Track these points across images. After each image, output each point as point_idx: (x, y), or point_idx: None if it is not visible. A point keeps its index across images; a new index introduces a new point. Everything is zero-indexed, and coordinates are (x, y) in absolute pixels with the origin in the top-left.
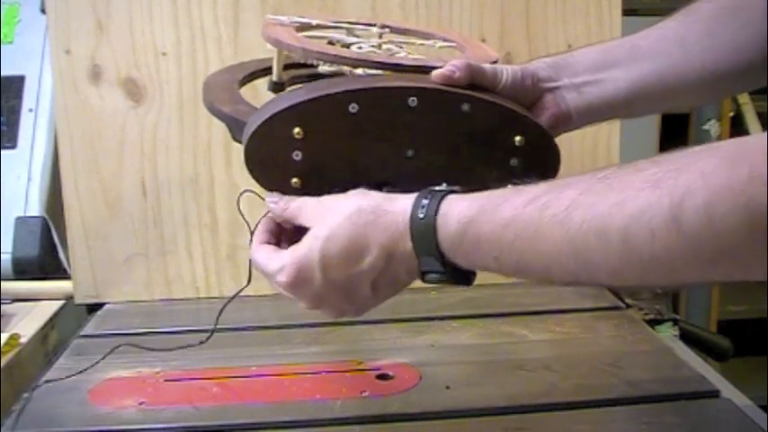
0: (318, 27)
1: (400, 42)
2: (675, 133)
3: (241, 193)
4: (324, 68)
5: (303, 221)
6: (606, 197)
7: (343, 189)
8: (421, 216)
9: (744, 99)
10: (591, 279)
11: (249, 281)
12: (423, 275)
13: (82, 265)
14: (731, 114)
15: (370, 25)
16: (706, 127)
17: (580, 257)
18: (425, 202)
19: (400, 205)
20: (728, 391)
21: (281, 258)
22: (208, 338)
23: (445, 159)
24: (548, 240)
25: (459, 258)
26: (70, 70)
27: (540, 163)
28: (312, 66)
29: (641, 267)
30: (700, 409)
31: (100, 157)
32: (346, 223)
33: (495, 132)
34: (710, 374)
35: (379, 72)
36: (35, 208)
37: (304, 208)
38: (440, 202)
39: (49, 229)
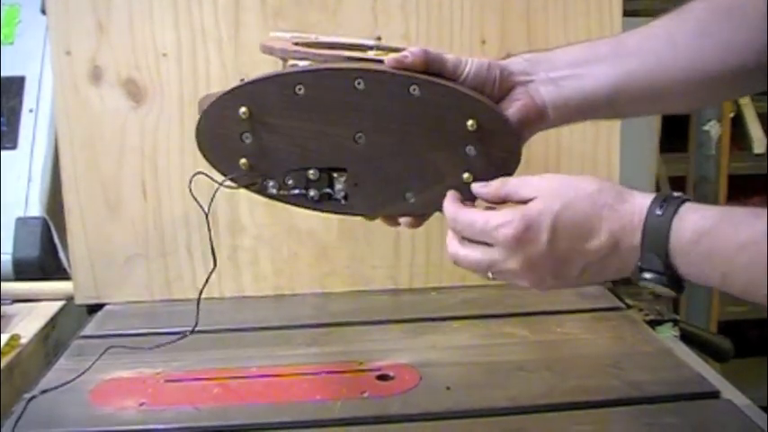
0: (318, 43)
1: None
2: (676, 134)
3: (193, 176)
4: None
5: (527, 194)
6: None
7: (293, 172)
8: (659, 213)
9: (744, 100)
10: None
11: (215, 264)
12: (639, 273)
13: (82, 266)
14: (731, 115)
15: (371, 44)
16: (706, 128)
17: None
18: (664, 203)
19: (639, 199)
20: (729, 391)
21: (506, 214)
22: (191, 332)
23: (396, 144)
24: None
25: (683, 265)
26: (70, 71)
27: (498, 151)
28: None
29: None
30: (700, 409)
31: (100, 158)
32: (586, 199)
33: (445, 116)
34: (711, 375)
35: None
36: (35, 209)
37: (527, 184)
38: (678, 207)
39: (50, 230)
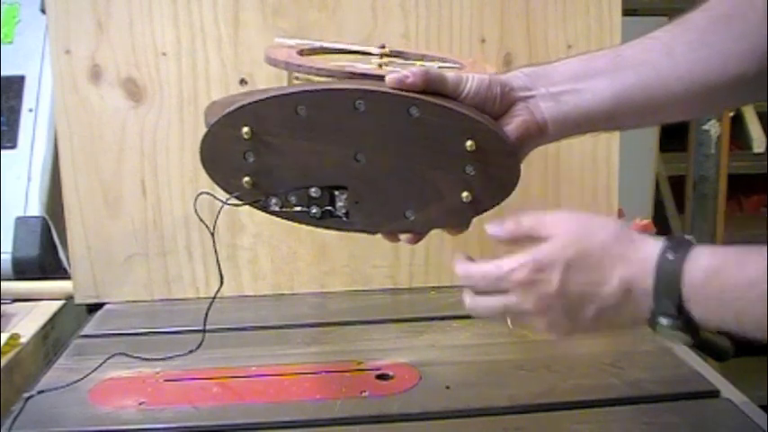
0: (322, 50)
1: (401, 63)
2: (675, 134)
3: (198, 196)
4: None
5: (547, 231)
6: None
7: (295, 190)
8: (670, 258)
9: None
10: None
11: (222, 281)
12: (653, 318)
13: (82, 265)
14: (731, 114)
15: (376, 51)
16: (706, 127)
17: None
18: (675, 246)
19: (651, 245)
20: (728, 390)
21: (517, 258)
22: (199, 346)
23: (396, 163)
24: None
25: (697, 308)
26: (70, 70)
27: (497, 170)
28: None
29: None
30: (699, 408)
31: (100, 157)
32: (599, 247)
33: (444, 137)
34: (710, 374)
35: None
36: (35, 208)
37: (545, 219)
38: (689, 250)
39: (49, 229)
